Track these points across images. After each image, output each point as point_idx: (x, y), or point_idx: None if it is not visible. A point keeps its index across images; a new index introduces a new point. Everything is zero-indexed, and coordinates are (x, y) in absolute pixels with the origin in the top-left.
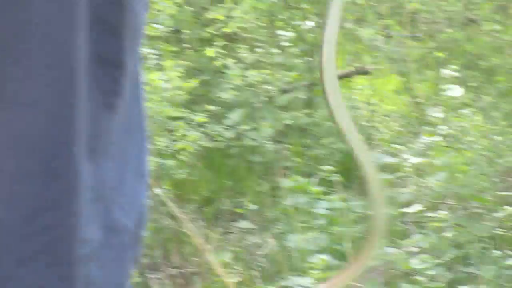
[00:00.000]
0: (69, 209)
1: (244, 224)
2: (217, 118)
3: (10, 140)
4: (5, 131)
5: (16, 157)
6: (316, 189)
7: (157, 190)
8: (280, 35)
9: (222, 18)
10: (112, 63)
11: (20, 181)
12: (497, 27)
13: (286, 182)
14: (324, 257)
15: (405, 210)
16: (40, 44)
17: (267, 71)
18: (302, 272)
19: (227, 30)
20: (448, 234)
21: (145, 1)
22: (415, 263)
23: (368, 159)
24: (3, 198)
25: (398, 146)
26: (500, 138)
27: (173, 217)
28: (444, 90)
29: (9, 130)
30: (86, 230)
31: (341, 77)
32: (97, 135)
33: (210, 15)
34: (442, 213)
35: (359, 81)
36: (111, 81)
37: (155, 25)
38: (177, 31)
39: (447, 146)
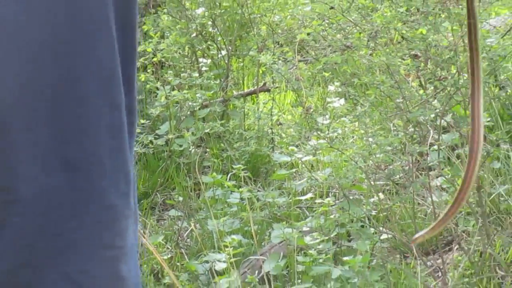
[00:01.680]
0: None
1: (173, 212)
2: (151, 128)
3: None
4: None
5: None
6: (229, 183)
7: None
8: (200, 62)
9: (150, 50)
10: (131, 111)
11: None
12: (369, 52)
13: (206, 178)
14: (236, 237)
15: (300, 198)
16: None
17: (189, 91)
18: (219, 249)
19: (155, 60)
20: (333, 216)
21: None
22: (307, 239)
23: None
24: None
25: (294, 148)
26: (371, 139)
27: None
28: (329, 102)
29: None
30: (128, 236)
31: (248, 94)
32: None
33: (141, 48)
34: (329, 200)
35: (263, 97)
36: (131, 126)
37: None
38: None
39: (331, 147)
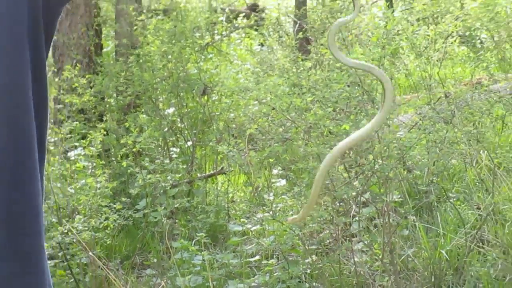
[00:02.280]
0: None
1: (149, 271)
2: (131, 204)
3: None
4: None
5: None
6: (194, 248)
7: (91, 253)
8: (171, 151)
9: (130, 142)
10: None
11: None
12: (304, 143)
13: (175, 244)
14: None
15: (249, 259)
16: None
17: (161, 174)
18: None
19: (135, 149)
20: (276, 274)
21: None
22: None
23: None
24: None
25: (245, 220)
26: None
27: (102, 269)
28: (273, 182)
29: None
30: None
31: (209, 176)
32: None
33: (123, 140)
34: (272, 261)
35: (221, 178)
36: (42, 167)
37: (91, 147)
38: (106, 150)
39: (274, 219)
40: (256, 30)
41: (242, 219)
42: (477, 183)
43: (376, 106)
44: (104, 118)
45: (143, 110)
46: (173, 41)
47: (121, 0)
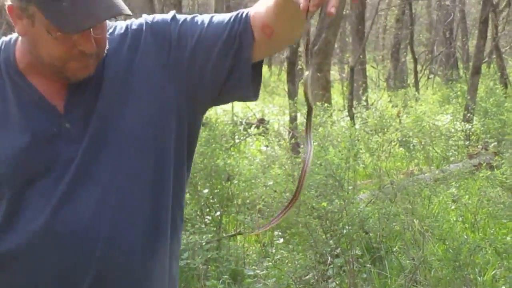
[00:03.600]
0: None
1: None
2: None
3: None
4: None
5: None
6: (220, 286)
7: None
8: (206, 218)
9: None
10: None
11: None
12: (295, 214)
13: (208, 283)
14: None
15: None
16: None
17: (199, 235)
18: None
19: None
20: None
21: None
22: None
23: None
24: None
25: (255, 267)
26: (297, 262)
27: None
28: (275, 240)
29: None
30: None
31: (231, 236)
32: None
33: None
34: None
35: (239, 237)
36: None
37: None
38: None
39: (275, 266)
40: (263, 136)
41: (253, 266)
42: (412, 242)
43: (344, 189)
44: None
45: (187, 191)
46: (208, 144)
47: None
